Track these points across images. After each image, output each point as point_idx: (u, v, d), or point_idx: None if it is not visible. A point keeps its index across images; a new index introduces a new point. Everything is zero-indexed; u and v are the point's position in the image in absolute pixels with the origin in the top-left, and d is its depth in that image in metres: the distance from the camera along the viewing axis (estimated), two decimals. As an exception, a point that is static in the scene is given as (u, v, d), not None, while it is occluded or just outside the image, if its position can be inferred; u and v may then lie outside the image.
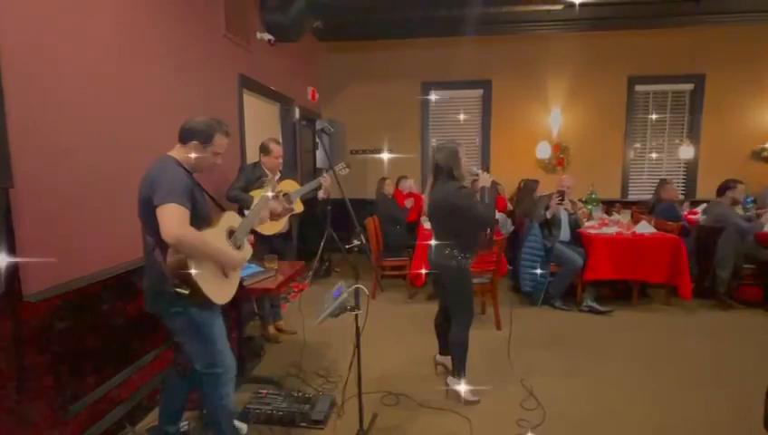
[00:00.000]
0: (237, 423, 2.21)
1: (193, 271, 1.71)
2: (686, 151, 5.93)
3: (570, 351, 3.29)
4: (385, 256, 4.60)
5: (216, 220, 1.90)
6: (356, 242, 2.04)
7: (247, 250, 2.08)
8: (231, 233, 1.95)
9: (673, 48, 5.80)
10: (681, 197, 5.82)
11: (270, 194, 2.27)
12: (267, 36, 4.22)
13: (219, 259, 1.85)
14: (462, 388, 2.58)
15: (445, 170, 2.49)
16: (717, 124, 5.88)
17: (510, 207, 5.65)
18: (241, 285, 2.44)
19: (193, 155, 1.85)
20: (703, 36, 5.68)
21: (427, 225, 4.68)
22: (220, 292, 1.86)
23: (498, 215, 4.96)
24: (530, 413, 2.48)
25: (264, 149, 3.34)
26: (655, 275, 4.05)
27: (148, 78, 2.63)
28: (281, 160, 3.38)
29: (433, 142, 6.46)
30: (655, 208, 4.76)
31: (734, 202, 4.24)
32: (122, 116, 2.39)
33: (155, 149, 1.94)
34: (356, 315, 2.03)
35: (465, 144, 6.33)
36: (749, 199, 5.15)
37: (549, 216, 4.17)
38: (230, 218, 1.98)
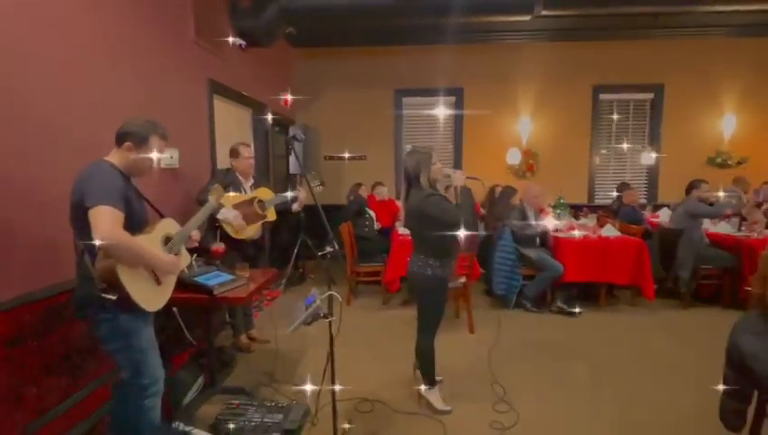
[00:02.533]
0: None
1: (122, 276, 1.65)
2: (648, 158, 6.20)
3: (541, 352, 3.37)
4: (359, 262, 4.59)
5: (152, 226, 1.86)
6: (329, 249, 2.03)
7: (185, 257, 2.03)
8: (167, 239, 1.90)
9: (634, 59, 6.06)
10: (643, 201, 6.07)
11: (214, 202, 2.24)
12: (239, 41, 4.18)
13: (152, 264, 1.79)
14: (434, 398, 2.60)
15: (413, 177, 2.46)
16: (676, 132, 6.17)
17: (482, 211, 5.74)
18: (211, 294, 2.40)
19: (130, 158, 1.79)
20: (661, 48, 5.96)
21: (401, 230, 4.72)
22: (151, 299, 1.80)
23: (471, 220, 5.04)
24: (503, 416, 2.52)
25: (234, 153, 3.31)
26: (620, 277, 4.20)
27: (114, 84, 2.56)
28: (252, 162, 3.35)
29: (407, 147, 6.53)
30: (618, 212, 4.94)
31: (700, 199, 4.46)
32: (88, 122, 2.32)
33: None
34: (329, 322, 2.01)
35: (438, 150, 6.45)
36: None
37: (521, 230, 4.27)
38: (167, 225, 1.93)
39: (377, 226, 5.13)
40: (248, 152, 3.32)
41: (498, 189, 5.38)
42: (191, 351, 3.08)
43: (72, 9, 2.25)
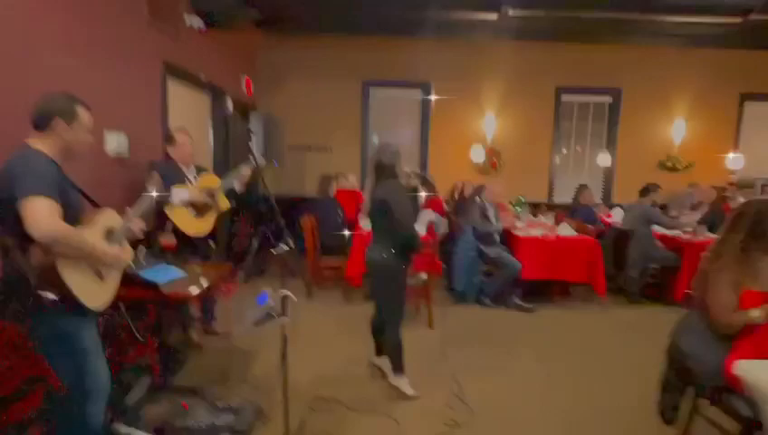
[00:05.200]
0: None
1: (63, 272, 1.53)
2: (605, 159, 6.42)
3: (497, 348, 3.44)
4: (322, 256, 4.52)
5: (91, 218, 1.72)
6: (283, 247, 1.96)
7: (125, 249, 1.90)
8: (109, 233, 1.78)
9: (596, 63, 6.23)
10: (599, 201, 6.30)
11: (154, 193, 2.10)
12: (197, 22, 3.97)
13: (98, 258, 1.67)
14: (403, 384, 2.66)
15: (388, 169, 2.52)
16: (631, 135, 6.43)
17: (446, 208, 5.79)
18: (159, 291, 2.28)
19: (65, 137, 1.64)
20: (621, 54, 6.16)
21: (363, 224, 4.68)
22: (95, 296, 1.68)
23: (434, 215, 5.06)
24: (457, 413, 2.55)
25: (169, 140, 3.09)
26: (574, 275, 4.35)
27: (54, 67, 2.36)
28: (189, 148, 3.11)
29: (374, 138, 6.48)
30: (575, 212, 5.11)
31: (654, 204, 4.67)
32: (25, 112, 2.12)
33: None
34: (283, 325, 1.96)
35: (403, 143, 6.39)
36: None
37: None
38: (108, 217, 1.80)
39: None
40: (184, 139, 3.08)
41: (469, 187, 5.40)
42: (139, 348, 2.94)
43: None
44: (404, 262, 2.55)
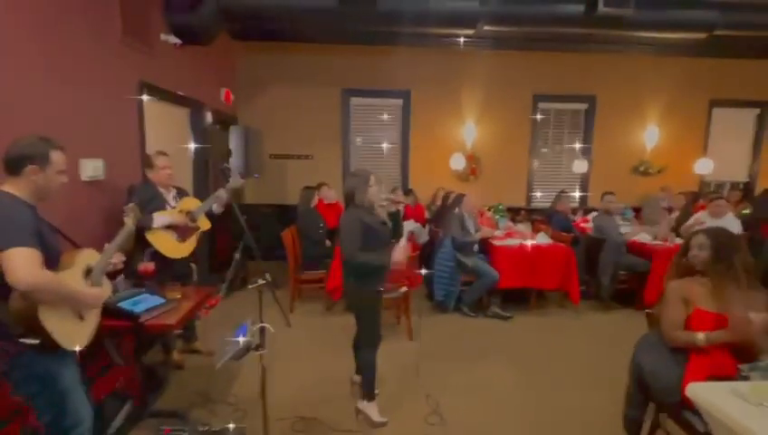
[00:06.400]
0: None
1: (43, 318, 1.56)
2: (581, 165, 6.59)
3: (474, 357, 3.54)
4: (304, 268, 4.56)
5: (71, 259, 1.75)
6: (260, 281, 2.01)
7: (106, 286, 1.95)
8: (89, 272, 1.81)
9: (571, 71, 6.38)
10: (575, 204, 6.46)
11: (131, 225, 2.14)
12: (173, 39, 3.95)
13: (79, 302, 1.72)
14: (372, 411, 2.67)
15: (349, 197, 2.56)
16: (606, 141, 6.60)
17: (427, 215, 5.87)
18: (138, 321, 2.30)
19: (37, 182, 1.66)
20: (595, 62, 6.32)
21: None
22: (75, 337, 1.71)
23: (414, 225, 5.15)
24: (434, 428, 2.64)
25: (148, 163, 3.11)
26: (550, 283, 4.48)
27: (28, 91, 2.35)
28: (169, 172, 3.12)
29: (358, 140, 6.52)
30: (551, 219, 5.25)
31: (607, 211, 4.82)
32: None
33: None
34: (261, 355, 2.01)
35: (385, 151, 6.41)
36: (627, 212, 5.89)
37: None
38: (87, 256, 1.84)
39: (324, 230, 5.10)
40: (164, 162, 3.08)
41: (452, 196, 5.47)
42: (119, 372, 2.95)
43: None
44: (373, 286, 2.56)
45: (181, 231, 3.08)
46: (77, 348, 1.71)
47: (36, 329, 1.54)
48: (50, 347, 1.59)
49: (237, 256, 5.08)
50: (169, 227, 3.01)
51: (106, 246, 1.94)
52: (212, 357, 3.42)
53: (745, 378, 1.89)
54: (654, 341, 2.28)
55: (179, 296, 2.63)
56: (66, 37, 2.69)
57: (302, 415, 2.73)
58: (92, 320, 1.82)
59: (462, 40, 5.60)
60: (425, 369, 3.30)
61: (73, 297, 1.68)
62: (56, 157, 1.72)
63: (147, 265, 2.74)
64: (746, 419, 1.53)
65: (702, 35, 4.54)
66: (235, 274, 5.01)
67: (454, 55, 6.16)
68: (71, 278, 1.68)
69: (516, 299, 4.68)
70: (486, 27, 4.29)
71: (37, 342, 1.55)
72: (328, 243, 4.91)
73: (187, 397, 2.90)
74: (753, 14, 4.32)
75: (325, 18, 4.17)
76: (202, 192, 4.32)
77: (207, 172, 5.02)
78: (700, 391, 1.74)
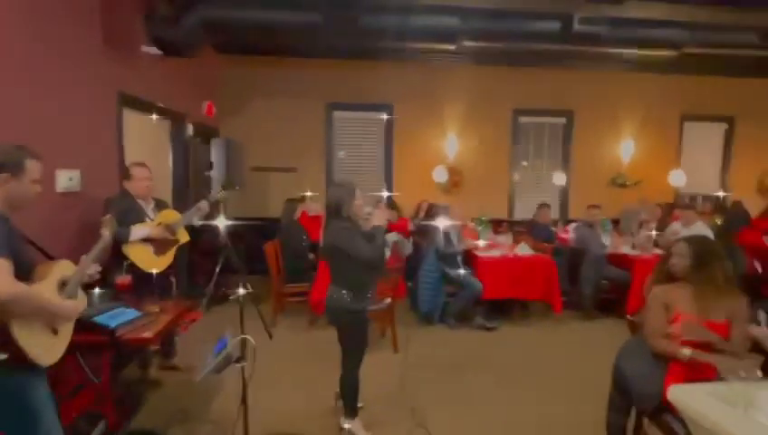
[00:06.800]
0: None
1: (15, 331, 1.49)
2: (560, 178, 6.73)
3: (459, 369, 3.53)
4: (287, 281, 4.49)
5: (46, 271, 1.69)
6: (240, 291, 1.97)
7: (81, 299, 1.88)
8: (63, 284, 1.75)
9: (549, 86, 6.56)
10: (555, 216, 6.57)
11: (108, 236, 2.08)
12: (154, 51, 3.92)
13: (54, 314, 1.65)
14: (356, 428, 2.61)
15: (334, 208, 2.47)
16: (584, 155, 6.77)
17: (411, 227, 5.88)
18: (114, 335, 2.23)
19: (10, 191, 1.61)
20: (572, 78, 6.50)
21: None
22: (47, 352, 1.64)
23: (397, 237, 5.15)
24: (419, 441, 2.61)
25: (126, 174, 3.05)
26: (532, 293, 4.53)
27: (2, 100, 2.30)
28: (148, 183, 3.07)
29: (340, 154, 6.52)
30: (533, 230, 5.33)
31: (588, 223, 4.92)
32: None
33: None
34: (242, 368, 1.96)
35: (368, 165, 6.43)
36: (606, 224, 6.00)
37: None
38: (63, 268, 1.77)
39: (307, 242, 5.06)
40: (142, 173, 3.03)
41: (436, 208, 5.48)
42: (92, 390, 2.83)
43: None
44: (364, 304, 2.51)
45: (159, 244, 3.02)
46: (48, 364, 1.64)
47: (7, 342, 1.48)
48: (20, 362, 1.52)
49: (218, 269, 4.99)
50: (147, 240, 2.95)
51: (82, 257, 1.88)
52: (191, 373, 3.32)
53: (723, 380, 1.93)
54: (636, 346, 2.32)
55: (157, 310, 2.56)
56: (45, 45, 2.65)
57: (285, 432, 2.66)
58: (66, 334, 1.75)
59: (444, 55, 5.71)
60: (410, 380, 3.26)
61: (48, 309, 1.62)
62: (31, 166, 1.67)
63: (123, 279, 2.67)
64: (725, 421, 1.55)
65: (673, 53, 4.74)
66: (216, 288, 4.91)
67: (436, 70, 6.28)
68: (45, 290, 1.62)
69: (500, 310, 4.70)
70: (466, 43, 4.39)
71: (5, 357, 1.48)
72: (311, 256, 4.87)
73: (166, 415, 2.80)
74: (718, 33, 4.52)
75: (309, 33, 4.20)
76: (182, 205, 4.25)
77: (188, 185, 4.95)
78: (680, 394, 1.77)
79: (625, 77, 6.53)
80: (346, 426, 2.63)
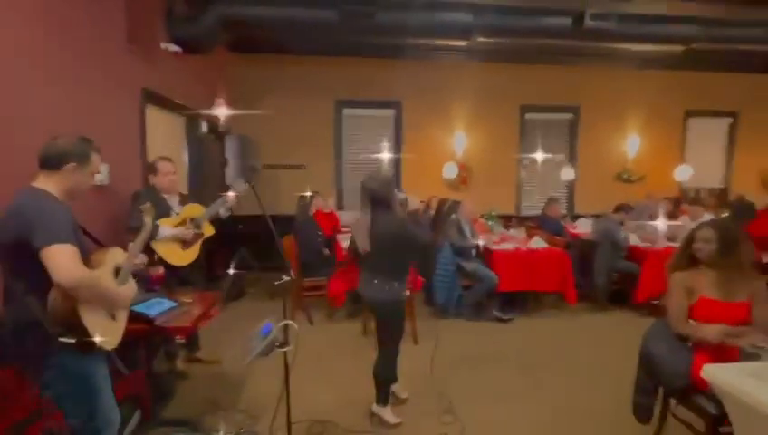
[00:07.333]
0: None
1: (84, 317, 1.55)
2: (567, 173, 6.81)
3: (480, 359, 3.58)
4: (304, 276, 4.54)
5: (101, 258, 1.74)
6: (284, 278, 2.02)
7: (132, 286, 1.92)
8: (117, 271, 1.80)
9: (556, 83, 6.63)
10: (563, 212, 6.64)
11: (151, 224, 2.12)
12: (173, 48, 3.96)
13: (114, 300, 1.71)
14: (386, 413, 2.67)
15: (382, 201, 2.46)
16: (590, 150, 6.86)
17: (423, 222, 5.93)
18: (153, 324, 2.27)
19: (73, 180, 1.66)
20: (579, 74, 6.58)
21: (343, 243, 4.75)
22: (109, 336, 1.70)
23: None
24: (449, 427, 2.65)
25: (152, 169, 3.08)
26: (547, 285, 4.59)
27: (35, 97, 2.33)
28: (172, 178, 3.11)
29: (352, 152, 6.57)
30: (543, 224, 5.39)
31: (621, 223, 4.98)
32: (6, 143, 2.09)
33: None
34: (285, 353, 2.01)
35: (377, 162, 6.48)
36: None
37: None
38: (115, 255, 1.82)
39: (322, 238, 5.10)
40: (168, 167, 3.07)
41: (447, 203, 5.55)
42: (126, 381, 2.87)
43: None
44: (404, 290, 2.56)
45: (185, 240, 3.06)
46: (110, 348, 1.69)
47: (75, 327, 1.52)
48: (87, 346, 1.57)
49: (233, 266, 5.03)
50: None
51: (130, 245, 1.92)
52: (215, 366, 3.36)
53: (750, 355, 1.99)
54: (661, 328, 2.37)
55: (190, 301, 2.60)
56: (75, 43, 2.69)
57: (318, 419, 2.71)
58: (122, 320, 1.80)
59: (452, 52, 5.78)
60: (435, 371, 3.31)
61: (109, 295, 1.67)
62: (95, 158, 1.73)
63: (156, 271, 2.71)
64: (766, 396, 1.59)
65: (678, 49, 4.83)
66: (232, 284, 4.95)
67: (444, 67, 6.34)
68: (104, 276, 1.67)
69: (513, 302, 4.76)
70: (480, 39, 4.45)
71: (74, 341, 1.53)
72: (326, 251, 4.92)
73: (196, 405, 2.84)
74: (728, 29, 4.61)
75: (325, 30, 4.26)
76: (197, 202, 4.28)
77: (203, 181, 4.98)
78: (717, 372, 1.82)
79: (630, 73, 6.62)
80: (376, 411, 2.69)
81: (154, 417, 2.63)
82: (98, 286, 1.58)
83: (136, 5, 3.36)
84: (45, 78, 2.45)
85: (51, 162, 1.63)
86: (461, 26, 4.36)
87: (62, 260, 1.46)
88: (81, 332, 1.54)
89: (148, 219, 2.11)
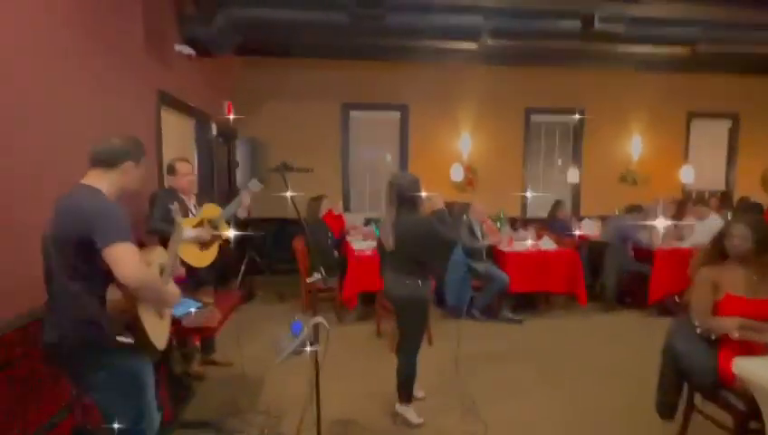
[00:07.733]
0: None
1: (143, 316, 1.55)
2: (573, 175, 6.84)
3: (495, 360, 3.58)
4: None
5: (148, 258, 1.73)
6: (317, 275, 2.01)
7: (174, 285, 1.92)
8: (162, 271, 1.80)
9: (561, 86, 6.66)
10: (569, 213, 6.67)
11: (181, 221, 2.13)
12: (186, 50, 3.97)
13: (167, 300, 1.72)
14: (409, 413, 2.67)
15: (408, 200, 2.50)
16: (594, 152, 6.90)
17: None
18: (179, 324, 2.26)
19: (128, 178, 1.67)
20: (583, 77, 6.62)
21: (354, 245, 4.75)
22: (159, 336, 1.70)
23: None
24: (472, 426, 2.65)
25: (170, 170, 3.09)
26: (558, 286, 4.60)
27: (58, 99, 2.33)
28: (191, 178, 3.13)
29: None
30: (552, 226, 5.41)
31: (636, 224, 5.00)
32: (27, 143, 2.09)
33: (66, 179, 1.70)
34: (315, 352, 2.00)
35: (385, 165, 6.49)
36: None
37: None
38: (159, 255, 1.82)
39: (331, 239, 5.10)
40: (185, 169, 3.08)
41: (456, 205, 5.56)
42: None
43: (9, 18, 2.00)
44: (428, 288, 2.58)
45: (204, 241, 3.05)
46: (161, 348, 1.68)
47: (134, 326, 1.51)
48: (144, 346, 1.57)
49: (243, 269, 5.04)
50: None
51: (170, 245, 1.92)
52: (223, 371, 3.34)
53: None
54: (685, 325, 2.38)
55: (212, 302, 2.59)
56: (94, 44, 2.69)
57: (340, 419, 2.70)
58: (168, 321, 1.81)
59: (458, 55, 5.80)
60: (450, 371, 3.31)
61: (164, 296, 1.67)
62: (144, 160, 1.75)
63: (179, 271, 2.69)
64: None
65: (682, 51, 4.88)
66: (241, 287, 4.94)
67: (450, 70, 6.37)
68: (158, 277, 1.68)
69: (524, 303, 4.77)
70: (490, 41, 4.48)
71: (132, 341, 1.52)
72: (336, 254, 4.91)
73: (215, 407, 2.83)
74: (731, 30, 4.67)
75: (336, 32, 4.27)
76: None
77: (212, 183, 4.97)
78: (749, 366, 1.83)
79: (633, 76, 6.66)
80: (400, 411, 2.68)
81: (175, 419, 2.61)
82: (155, 287, 1.59)
83: (152, 6, 3.36)
84: (78, 79, 2.46)
85: (108, 160, 1.62)
86: (471, 29, 4.39)
87: (128, 259, 1.45)
88: (140, 331, 1.53)
89: (179, 219, 2.11)
